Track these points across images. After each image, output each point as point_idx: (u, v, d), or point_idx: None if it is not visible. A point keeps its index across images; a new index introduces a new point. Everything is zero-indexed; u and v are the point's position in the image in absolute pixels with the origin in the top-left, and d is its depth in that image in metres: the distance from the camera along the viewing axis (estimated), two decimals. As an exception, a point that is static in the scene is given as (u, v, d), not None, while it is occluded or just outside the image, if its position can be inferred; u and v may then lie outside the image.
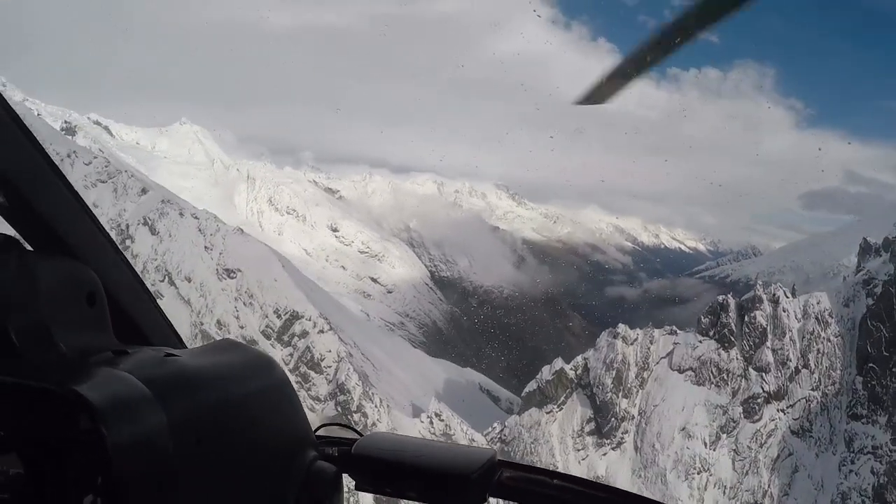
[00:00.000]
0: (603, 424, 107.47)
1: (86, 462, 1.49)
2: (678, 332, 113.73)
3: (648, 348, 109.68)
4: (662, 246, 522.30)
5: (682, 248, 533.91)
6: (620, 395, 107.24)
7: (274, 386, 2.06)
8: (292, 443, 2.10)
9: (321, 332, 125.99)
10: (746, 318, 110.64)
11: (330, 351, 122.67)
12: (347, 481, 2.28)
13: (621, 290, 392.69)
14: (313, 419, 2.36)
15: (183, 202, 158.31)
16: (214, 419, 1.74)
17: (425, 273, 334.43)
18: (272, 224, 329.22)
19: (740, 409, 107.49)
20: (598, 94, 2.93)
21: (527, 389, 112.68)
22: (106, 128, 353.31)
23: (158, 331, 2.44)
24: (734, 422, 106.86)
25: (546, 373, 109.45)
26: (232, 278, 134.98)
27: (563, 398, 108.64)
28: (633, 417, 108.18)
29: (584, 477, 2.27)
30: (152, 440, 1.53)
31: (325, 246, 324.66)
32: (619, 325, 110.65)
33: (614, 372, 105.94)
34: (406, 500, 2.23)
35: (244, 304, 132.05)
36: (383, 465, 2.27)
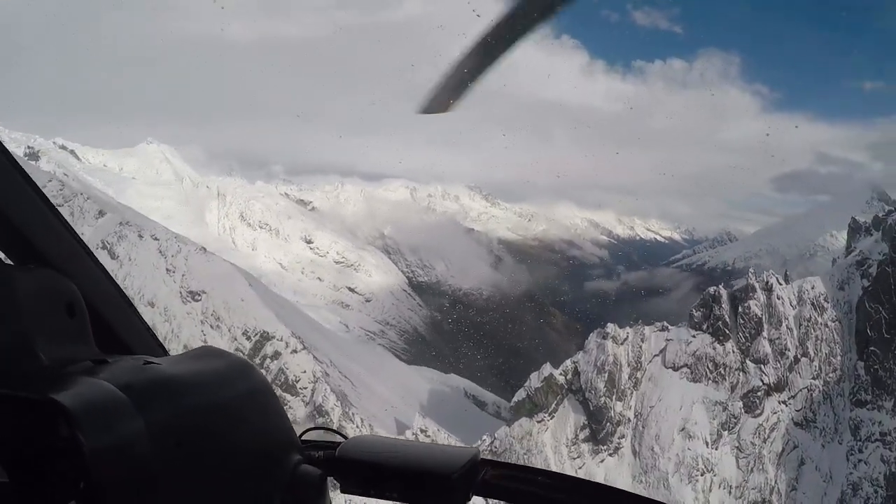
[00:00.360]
0: (598, 430, 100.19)
1: (66, 469, 1.49)
2: (670, 327, 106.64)
3: (640, 347, 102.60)
4: (638, 237, 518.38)
5: (658, 238, 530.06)
6: (614, 398, 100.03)
7: (255, 390, 2.05)
8: (276, 446, 2.09)
9: (294, 351, 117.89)
10: (740, 309, 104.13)
11: (305, 371, 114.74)
12: (333, 485, 2.28)
13: (600, 283, 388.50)
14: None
15: (143, 223, 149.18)
16: (194, 423, 1.73)
17: (403, 279, 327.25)
18: (245, 240, 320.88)
19: (740, 404, 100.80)
20: (437, 104, 2.98)
21: (515, 399, 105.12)
22: (72, 152, 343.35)
23: (140, 339, 2.44)
24: (735, 418, 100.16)
25: (535, 380, 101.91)
26: (197, 301, 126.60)
27: (553, 405, 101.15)
28: (629, 420, 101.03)
29: (571, 474, 2.16)
30: (130, 445, 1.52)
31: (300, 258, 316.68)
32: (608, 324, 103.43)
33: (606, 374, 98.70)
34: (389, 502, 2.22)
35: (211, 326, 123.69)
36: (367, 467, 2.27)
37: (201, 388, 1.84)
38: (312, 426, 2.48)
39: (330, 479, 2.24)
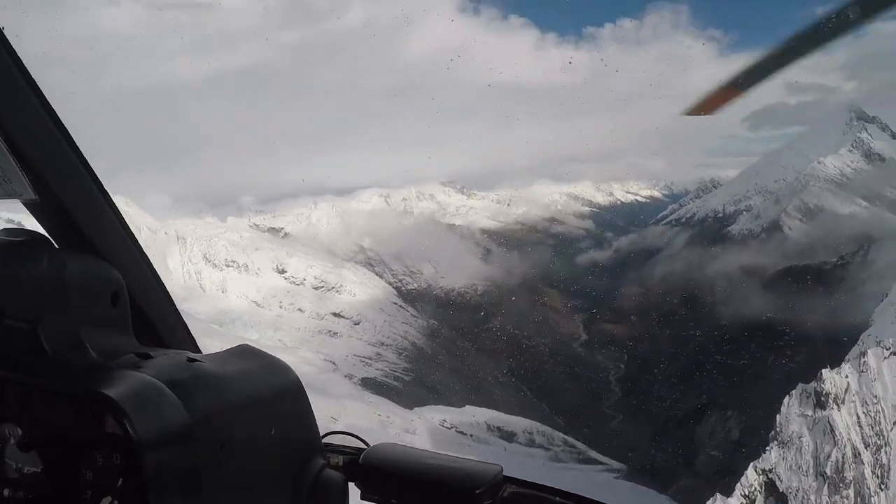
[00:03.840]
0: None
1: (107, 464, 1.43)
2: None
3: (873, 396, 44.53)
4: (619, 202, 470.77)
5: (639, 199, 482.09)
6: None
7: (289, 391, 1.97)
8: (303, 450, 2.00)
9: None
10: None
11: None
12: (353, 491, 2.18)
13: (592, 255, 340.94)
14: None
15: None
16: (236, 424, 1.67)
17: (391, 292, 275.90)
18: (213, 282, 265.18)
19: None
20: (709, 104, 2.65)
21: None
22: (19, 224, 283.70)
23: (176, 333, 2.35)
24: None
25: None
26: None
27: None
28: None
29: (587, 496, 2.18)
30: (178, 444, 1.46)
31: (275, 291, 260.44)
32: (823, 372, 45.27)
33: (849, 488, 40.66)
34: None
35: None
36: (390, 476, 2.17)
37: (243, 388, 1.76)
38: (334, 430, 2.37)
39: (350, 485, 2.13)
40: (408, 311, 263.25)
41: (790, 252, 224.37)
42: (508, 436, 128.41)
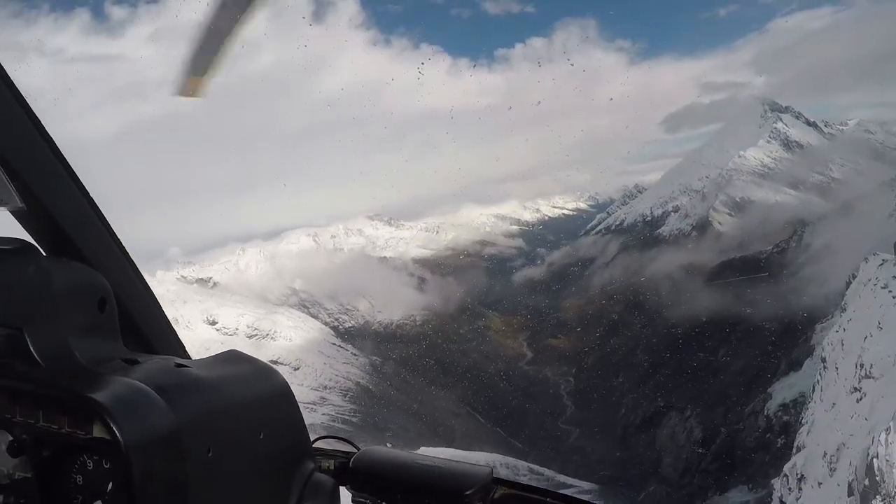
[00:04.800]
0: None
1: (97, 469, 1.44)
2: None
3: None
4: (547, 217, 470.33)
5: (566, 212, 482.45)
6: None
7: (278, 396, 1.93)
8: (293, 454, 1.98)
9: None
10: None
11: None
12: (344, 494, 2.14)
13: (527, 272, 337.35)
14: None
15: None
16: (224, 429, 1.65)
17: (328, 332, 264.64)
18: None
19: None
20: (189, 89, 2.57)
21: None
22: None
23: (164, 339, 2.32)
24: None
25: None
26: None
27: None
28: None
29: (580, 497, 2.15)
30: (166, 449, 1.44)
31: (208, 344, 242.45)
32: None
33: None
34: None
35: None
36: (380, 479, 2.16)
37: (231, 393, 1.74)
38: (324, 434, 2.33)
39: (341, 489, 2.11)
40: (347, 350, 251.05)
41: (725, 246, 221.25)
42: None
